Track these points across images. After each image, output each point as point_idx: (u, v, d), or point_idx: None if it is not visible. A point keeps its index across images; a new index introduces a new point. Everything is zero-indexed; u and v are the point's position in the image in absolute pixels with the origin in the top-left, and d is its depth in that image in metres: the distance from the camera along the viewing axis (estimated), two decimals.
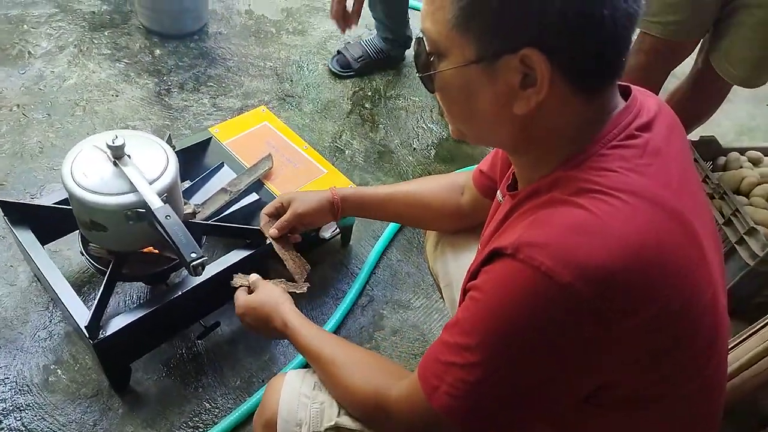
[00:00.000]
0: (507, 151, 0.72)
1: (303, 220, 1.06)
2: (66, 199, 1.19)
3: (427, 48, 0.62)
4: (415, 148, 1.92)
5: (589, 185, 0.57)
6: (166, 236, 1.01)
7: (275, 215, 1.08)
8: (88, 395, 1.22)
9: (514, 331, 0.57)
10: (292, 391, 0.80)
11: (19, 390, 1.20)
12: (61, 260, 1.42)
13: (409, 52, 2.21)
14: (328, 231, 1.43)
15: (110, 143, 1.05)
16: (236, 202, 1.37)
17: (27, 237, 1.20)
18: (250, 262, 1.23)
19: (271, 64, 2.12)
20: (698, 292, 0.59)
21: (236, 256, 1.24)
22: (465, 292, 0.64)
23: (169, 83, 1.96)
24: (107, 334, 1.08)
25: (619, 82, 0.63)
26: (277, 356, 1.34)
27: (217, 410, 1.24)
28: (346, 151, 1.88)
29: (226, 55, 2.12)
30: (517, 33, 0.55)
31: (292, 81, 2.07)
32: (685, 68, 1.61)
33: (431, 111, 2.05)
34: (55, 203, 1.25)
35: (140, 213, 1.05)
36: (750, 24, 1.32)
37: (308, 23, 2.33)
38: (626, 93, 0.65)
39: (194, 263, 0.98)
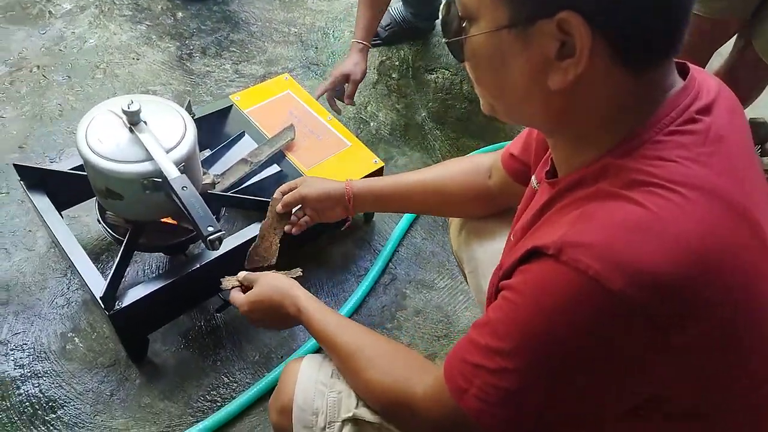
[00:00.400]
0: (542, 131, 0.65)
1: (307, 203, 1.01)
2: (83, 165, 1.16)
3: (459, 12, 0.56)
4: (443, 122, 1.85)
5: (643, 177, 0.51)
6: (182, 208, 0.97)
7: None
8: (105, 364, 1.21)
9: (555, 341, 0.51)
10: (309, 377, 0.76)
11: (37, 357, 1.19)
12: (79, 227, 1.40)
13: (439, 22, 2.11)
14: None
15: (126, 108, 1.01)
16: (257, 174, 1.33)
17: (43, 203, 1.18)
18: None
19: (296, 30, 2.05)
20: (766, 300, 0.52)
21: (256, 228, 1.19)
22: (496, 289, 0.58)
23: (191, 47, 1.91)
24: (123, 306, 1.06)
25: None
26: (297, 332, 1.31)
27: (235, 384, 1.22)
28: (371, 123, 1.81)
29: (250, 19, 2.05)
30: None
31: (317, 48, 2.00)
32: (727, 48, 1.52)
33: (461, 83, 1.97)
34: (71, 168, 1.22)
35: (157, 182, 1.01)
36: None
37: None
38: (683, 71, 0.57)
39: (211, 237, 0.94)
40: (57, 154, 1.55)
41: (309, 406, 0.73)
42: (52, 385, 1.16)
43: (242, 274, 0.94)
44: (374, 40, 2.01)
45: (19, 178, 1.19)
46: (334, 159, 1.37)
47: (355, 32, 1.58)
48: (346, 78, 1.53)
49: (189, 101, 1.30)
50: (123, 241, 1.12)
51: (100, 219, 1.18)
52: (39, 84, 1.71)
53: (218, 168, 1.33)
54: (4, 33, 1.83)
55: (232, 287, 0.94)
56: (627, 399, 0.54)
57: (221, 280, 0.96)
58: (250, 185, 1.31)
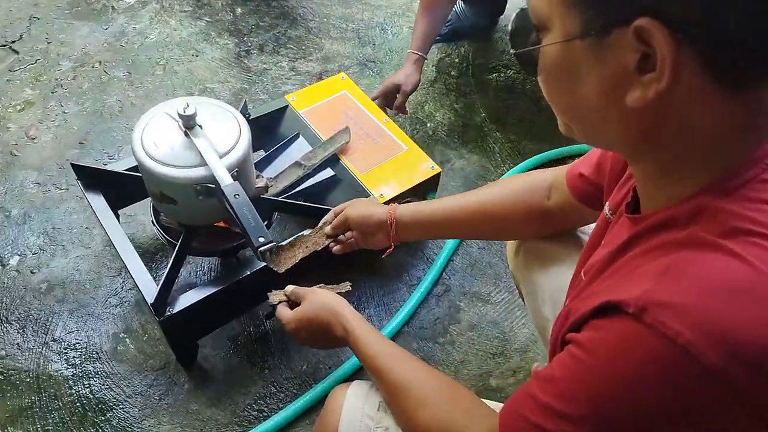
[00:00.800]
0: (624, 157, 0.57)
1: (350, 225, 0.98)
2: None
3: (533, 21, 0.49)
4: (503, 123, 1.76)
5: (747, 224, 0.43)
6: (234, 216, 0.94)
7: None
8: (155, 367, 1.20)
9: (630, 416, 0.44)
10: (355, 408, 0.71)
11: (89, 357, 1.20)
12: (135, 225, 1.40)
13: (502, 19, 2.02)
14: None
15: (181, 112, 0.98)
16: (310, 177, 1.29)
17: (99, 203, 1.18)
18: None
19: (353, 26, 2.00)
20: None
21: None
22: (563, 340, 0.51)
23: (249, 44, 1.89)
24: (174, 312, 1.04)
25: None
26: None
27: (282, 394, 1.19)
28: (428, 124, 1.74)
29: (308, 15, 2.02)
30: None
31: (374, 45, 1.95)
32: None
33: (524, 82, 1.87)
34: (128, 169, 1.21)
35: (210, 188, 0.98)
36: None
37: None
38: None
39: (262, 249, 0.90)
40: (116, 150, 1.56)
41: None
42: (103, 387, 1.16)
43: (290, 288, 0.91)
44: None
45: (76, 178, 1.19)
46: (390, 163, 1.32)
47: (411, 41, 1.53)
48: (397, 89, 1.50)
49: (245, 101, 1.28)
50: (176, 244, 1.11)
51: (154, 221, 1.17)
52: (100, 80, 1.73)
53: (272, 171, 1.30)
54: (70, 28, 1.86)
55: (279, 302, 0.91)
56: None
57: (268, 294, 0.92)
58: (302, 189, 1.27)
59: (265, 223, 1.04)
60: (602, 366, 0.45)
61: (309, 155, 1.29)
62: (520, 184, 0.89)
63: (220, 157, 0.99)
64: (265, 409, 1.17)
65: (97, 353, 1.21)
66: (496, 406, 0.63)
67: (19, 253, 1.34)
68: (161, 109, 1.06)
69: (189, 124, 0.99)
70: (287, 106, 1.41)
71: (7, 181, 1.46)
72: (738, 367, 0.39)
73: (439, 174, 1.32)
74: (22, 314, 1.24)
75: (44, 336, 1.22)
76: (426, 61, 1.57)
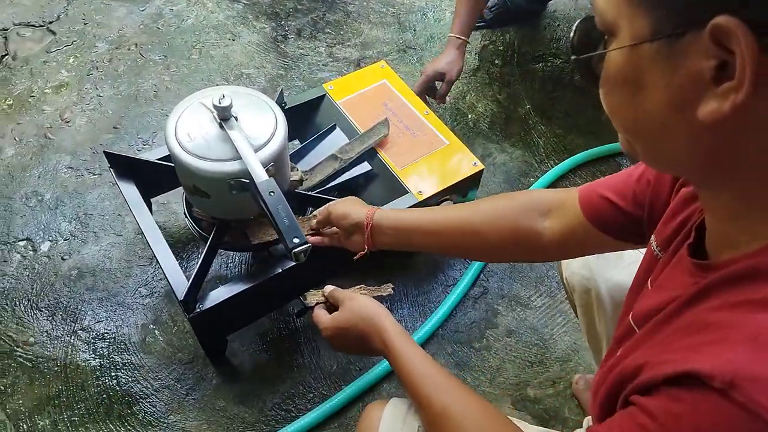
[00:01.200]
0: (693, 183, 0.49)
1: (330, 221, 0.94)
2: None
3: (599, 25, 0.43)
4: (549, 116, 1.68)
5: None
6: (268, 214, 0.89)
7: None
8: (184, 361, 1.18)
9: None
10: (392, 430, 0.66)
11: (117, 347, 1.18)
12: (167, 213, 1.38)
13: (551, 4, 1.92)
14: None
15: (217, 103, 0.94)
16: (346, 171, 1.23)
17: (131, 192, 1.15)
18: None
19: (394, 11, 1.92)
20: None
21: None
22: (625, 400, 0.45)
23: (287, 28, 1.84)
24: (204, 308, 1.01)
25: None
26: None
27: (311, 395, 1.16)
28: (469, 115, 1.67)
29: None
30: None
31: (414, 30, 1.87)
32: None
33: (571, 72, 1.77)
34: (160, 158, 1.18)
35: (243, 183, 0.94)
36: None
37: None
38: None
39: (296, 250, 0.86)
40: (150, 136, 1.53)
41: None
42: (130, 379, 1.14)
43: (328, 289, 0.86)
44: (478, 22, 1.85)
45: (109, 166, 1.17)
46: (429, 158, 1.26)
47: (452, 24, 1.45)
48: (439, 76, 1.42)
49: (281, 90, 1.23)
50: (208, 237, 1.07)
51: (186, 213, 1.14)
52: (136, 63, 1.70)
53: (307, 163, 1.25)
54: (107, 9, 1.84)
55: (317, 303, 0.86)
56: None
57: (305, 294, 0.88)
58: (338, 184, 1.22)
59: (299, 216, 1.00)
60: None
61: (345, 148, 1.23)
62: (510, 202, 0.81)
63: (255, 151, 0.95)
64: (293, 409, 1.14)
65: (126, 344, 1.19)
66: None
67: (50, 238, 1.33)
68: (196, 98, 1.01)
69: (224, 115, 0.95)
70: (324, 95, 1.35)
71: (41, 165, 1.45)
72: None
73: (481, 171, 1.25)
74: (52, 301, 1.23)
75: (73, 324, 1.21)
76: (468, 47, 1.49)
